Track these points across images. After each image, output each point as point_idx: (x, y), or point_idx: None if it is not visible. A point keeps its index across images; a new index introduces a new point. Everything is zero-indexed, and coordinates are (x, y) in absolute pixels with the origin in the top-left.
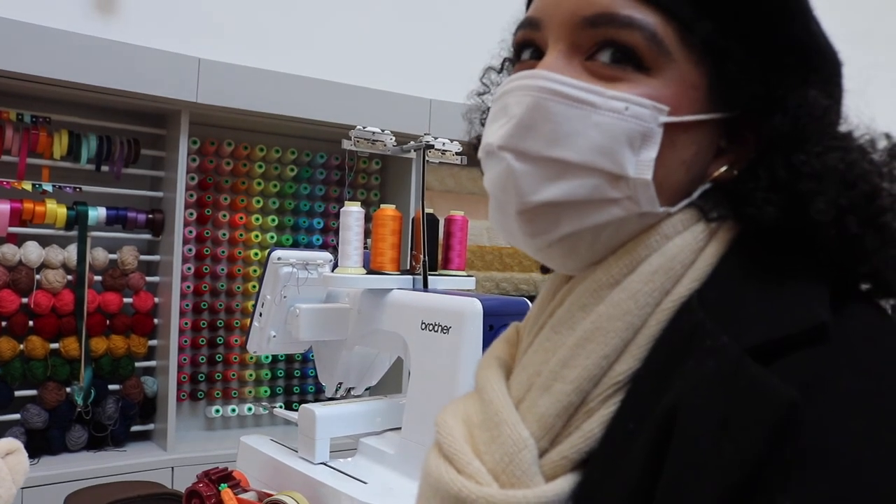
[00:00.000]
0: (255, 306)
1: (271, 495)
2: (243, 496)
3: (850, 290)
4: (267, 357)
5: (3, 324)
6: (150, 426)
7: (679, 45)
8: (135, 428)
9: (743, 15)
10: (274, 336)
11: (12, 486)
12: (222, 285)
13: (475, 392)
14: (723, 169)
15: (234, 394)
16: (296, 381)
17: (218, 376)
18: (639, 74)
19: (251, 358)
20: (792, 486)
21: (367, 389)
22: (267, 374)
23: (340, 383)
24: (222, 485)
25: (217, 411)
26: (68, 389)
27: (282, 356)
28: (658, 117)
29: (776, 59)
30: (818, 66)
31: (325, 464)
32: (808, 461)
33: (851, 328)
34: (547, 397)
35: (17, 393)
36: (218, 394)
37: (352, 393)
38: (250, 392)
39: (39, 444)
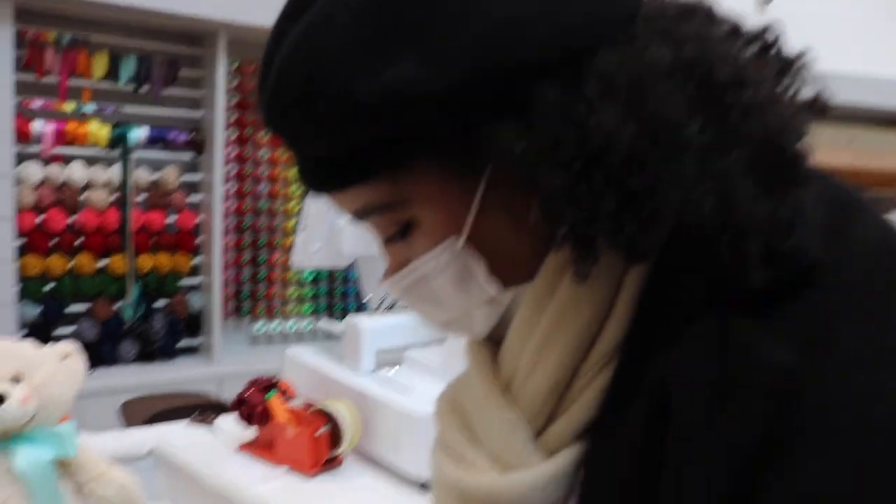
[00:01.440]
0: (298, 221)
1: (316, 404)
2: (291, 404)
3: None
4: (309, 275)
5: (53, 242)
6: (197, 341)
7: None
8: (182, 343)
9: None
10: (318, 249)
11: (70, 389)
12: (264, 204)
13: (466, 374)
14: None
15: (277, 311)
16: (338, 299)
17: (261, 294)
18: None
19: (293, 276)
20: (788, 468)
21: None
22: (309, 292)
23: (384, 296)
24: (270, 393)
25: (261, 328)
26: (117, 305)
27: (323, 274)
28: (454, 249)
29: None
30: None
31: (370, 375)
32: (808, 437)
33: (850, 262)
34: (534, 377)
35: (70, 308)
36: (262, 310)
37: (396, 306)
38: (293, 309)
39: (93, 357)
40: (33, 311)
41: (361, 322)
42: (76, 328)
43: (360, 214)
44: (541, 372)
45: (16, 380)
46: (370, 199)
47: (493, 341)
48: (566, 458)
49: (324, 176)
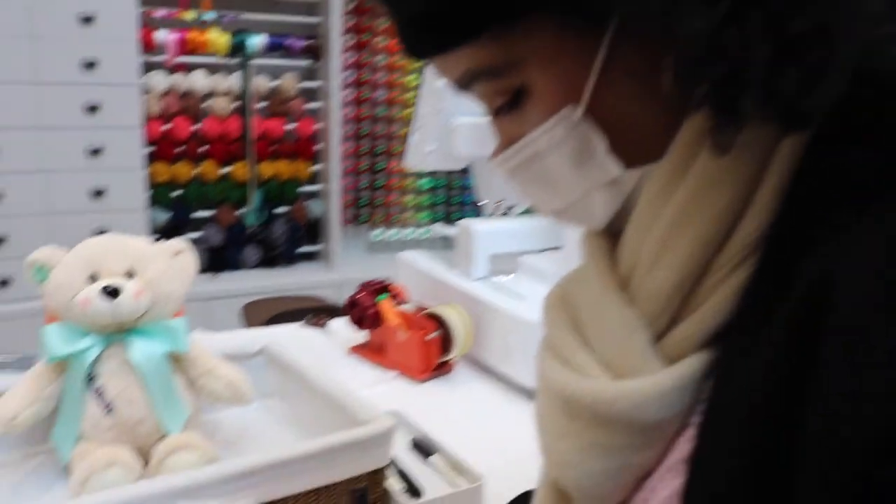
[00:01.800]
0: (413, 121)
1: (428, 308)
2: (402, 307)
3: None
4: (427, 182)
5: (179, 150)
6: (317, 247)
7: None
8: (302, 249)
9: None
10: (432, 151)
11: (181, 285)
12: (381, 111)
13: (580, 269)
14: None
15: (395, 218)
16: (455, 207)
17: (379, 201)
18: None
19: (410, 184)
20: None
21: (525, 211)
22: (427, 200)
23: (500, 201)
24: (381, 296)
25: (378, 234)
26: (241, 211)
27: (441, 181)
28: (570, 120)
29: None
30: None
31: (483, 280)
32: None
33: None
34: (658, 271)
35: (196, 214)
36: (379, 218)
37: (512, 211)
38: (410, 217)
39: (218, 262)
40: (162, 216)
41: (475, 225)
42: (202, 234)
43: (465, 81)
44: (666, 265)
45: (129, 275)
46: (476, 61)
47: (614, 233)
48: (690, 366)
49: (425, 36)
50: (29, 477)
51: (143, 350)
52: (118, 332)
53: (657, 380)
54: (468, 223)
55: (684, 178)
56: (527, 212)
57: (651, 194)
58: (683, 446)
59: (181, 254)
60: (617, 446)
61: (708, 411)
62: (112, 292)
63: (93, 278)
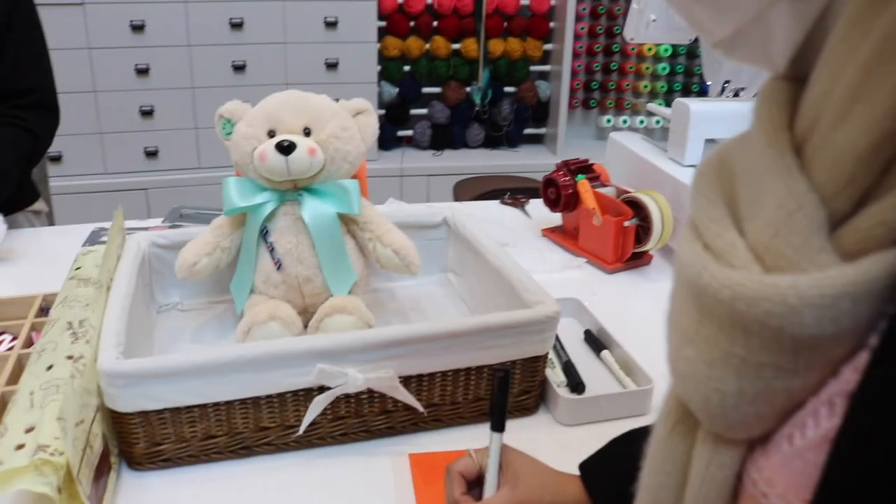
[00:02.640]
0: None
1: (629, 192)
2: (601, 190)
3: None
4: (664, 68)
5: (412, 24)
6: (542, 130)
7: None
8: (527, 130)
9: None
10: (654, 20)
11: (361, 144)
12: None
13: (747, 131)
14: None
15: (628, 104)
16: (693, 96)
17: (612, 85)
18: None
19: (647, 68)
20: None
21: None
22: (663, 87)
23: (728, 82)
24: (580, 175)
25: (608, 121)
26: (468, 89)
27: (680, 67)
28: None
29: None
30: None
31: (695, 167)
32: None
33: None
34: (847, 127)
35: (424, 90)
36: (611, 103)
37: (741, 95)
38: (644, 103)
39: (442, 139)
40: (391, 91)
41: (692, 105)
42: (428, 110)
43: None
44: (858, 119)
45: (306, 131)
46: None
47: (799, 82)
48: (874, 267)
49: None
50: (210, 322)
51: (314, 209)
52: (293, 190)
53: (824, 279)
54: (685, 102)
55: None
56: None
57: (849, 20)
58: (849, 376)
59: (362, 114)
60: (758, 364)
61: (891, 333)
62: (287, 148)
63: (271, 134)
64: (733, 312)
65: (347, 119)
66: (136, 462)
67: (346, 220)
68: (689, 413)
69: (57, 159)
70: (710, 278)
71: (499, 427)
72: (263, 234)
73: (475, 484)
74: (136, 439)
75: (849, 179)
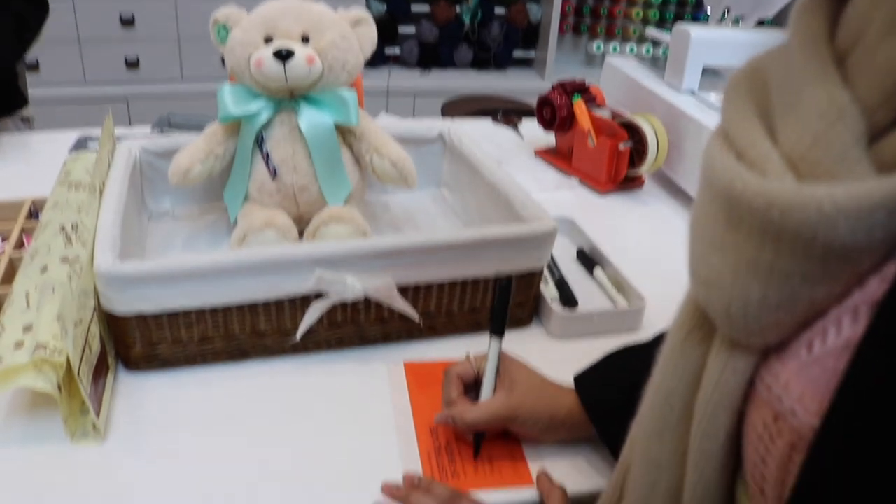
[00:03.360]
0: None
1: (624, 115)
2: (596, 112)
3: None
4: None
5: None
6: (531, 53)
7: None
8: (517, 53)
9: None
10: None
11: (360, 54)
12: None
13: (784, 43)
14: None
15: (619, 31)
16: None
17: (604, 11)
18: None
19: None
20: None
21: (759, 23)
22: (655, 15)
23: (728, 8)
24: (576, 96)
25: (598, 48)
26: (458, 8)
27: None
28: None
29: None
30: None
31: (693, 93)
32: None
33: None
34: (891, 42)
35: (413, 8)
36: (601, 29)
37: (740, 24)
38: (635, 31)
39: (430, 58)
40: (380, 7)
41: (692, 30)
42: (417, 28)
43: None
44: None
45: (304, 39)
46: None
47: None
48: None
49: None
50: (202, 230)
51: (311, 118)
52: (290, 99)
53: (861, 189)
54: (686, 27)
55: None
56: (760, 24)
57: None
58: (876, 286)
59: (361, 24)
60: (786, 271)
61: None
62: (285, 55)
63: (268, 40)
64: (766, 220)
65: (346, 28)
66: (133, 364)
67: (343, 131)
68: (705, 320)
69: (34, 67)
70: (743, 186)
71: (498, 332)
72: (259, 142)
73: (472, 387)
74: (132, 341)
75: (892, 92)
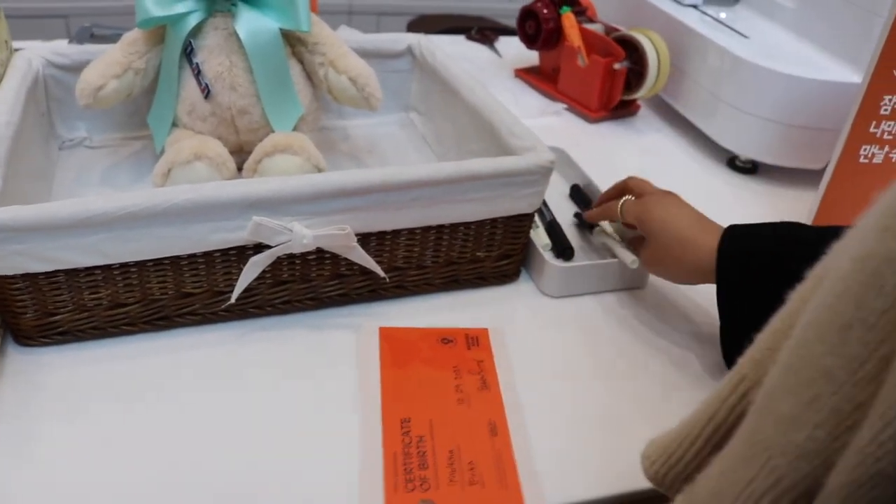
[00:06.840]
0: None
1: (620, 31)
2: (588, 26)
3: None
4: None
5: None
6: None
7: None
8: None
9: None
10: None
11: None
12: None
13: None
14: None
15: None
16: None
17: None
18: None
19: None
20: None
21: None
22: None
23: None
24: (564, 7)
25: None
26: None
27: None
28: None
29: None
30: None
31: (696, 7)
32: None
33: None
34: None
35: None
36: None
37: None
38: None
39: None
40: None
41: None
42: None
43: None
44: None
45: None
46: None
47: None
48: None
49: None
50: (124, 162)
51: (252, 22)
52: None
53: None
54: None
55: None
56: None
57: None
58: None
59: None
60: None
61: None
62: None
63: None
64: None
65: None
66: (25, 337)
67: (292, 40)
68: None
69: None
70: None
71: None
72: (187, 52)
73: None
74: (21, 308)
75: None
